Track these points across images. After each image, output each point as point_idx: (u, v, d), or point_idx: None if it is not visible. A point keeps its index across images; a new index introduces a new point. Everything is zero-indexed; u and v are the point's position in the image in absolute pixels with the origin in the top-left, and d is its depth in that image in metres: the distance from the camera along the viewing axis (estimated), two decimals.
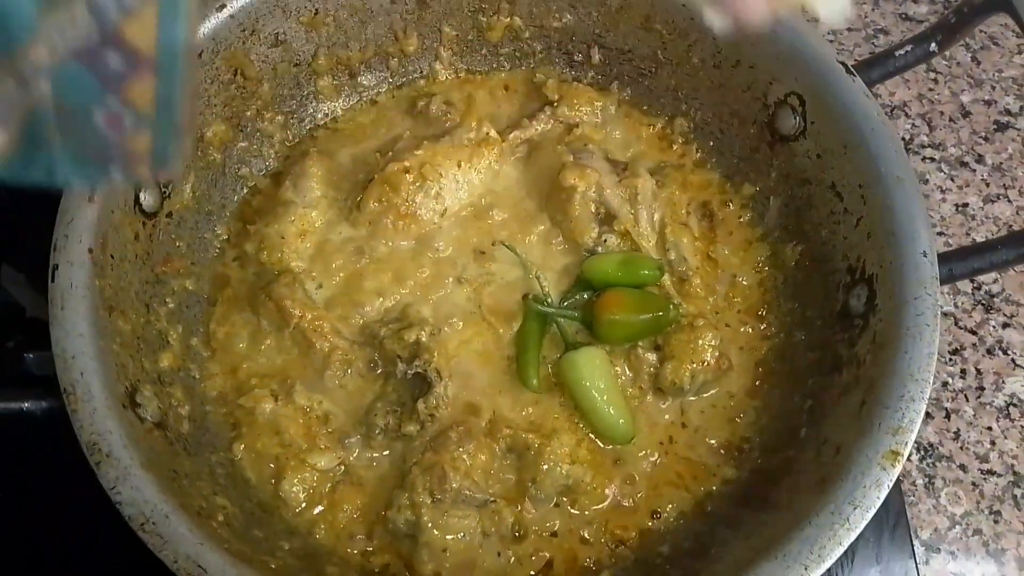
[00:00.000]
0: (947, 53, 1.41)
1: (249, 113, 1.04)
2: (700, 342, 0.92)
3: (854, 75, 0.91)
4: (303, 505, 0.86)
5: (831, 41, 1.35)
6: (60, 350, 0.74)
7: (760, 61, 0.99)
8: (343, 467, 0.88)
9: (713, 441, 0.93)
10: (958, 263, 0.83)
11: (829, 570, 0.94)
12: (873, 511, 0.71)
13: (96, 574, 0.92)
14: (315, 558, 0.82)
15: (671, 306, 0.94)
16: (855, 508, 0.71)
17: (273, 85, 1.05)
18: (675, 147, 1.11)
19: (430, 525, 0.82)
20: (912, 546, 0.97)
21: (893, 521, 0.98)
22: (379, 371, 0.93)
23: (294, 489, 0.86)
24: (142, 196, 0.88)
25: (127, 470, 0.70)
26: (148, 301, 0.89)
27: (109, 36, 0.40)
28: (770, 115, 1.01)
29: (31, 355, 1.08)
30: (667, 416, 0.94)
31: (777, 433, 0.90)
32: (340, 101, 1.13)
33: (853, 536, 0.70)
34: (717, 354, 0.92)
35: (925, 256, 0.81)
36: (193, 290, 0.96)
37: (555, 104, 1.10)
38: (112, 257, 0.83)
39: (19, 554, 0.93)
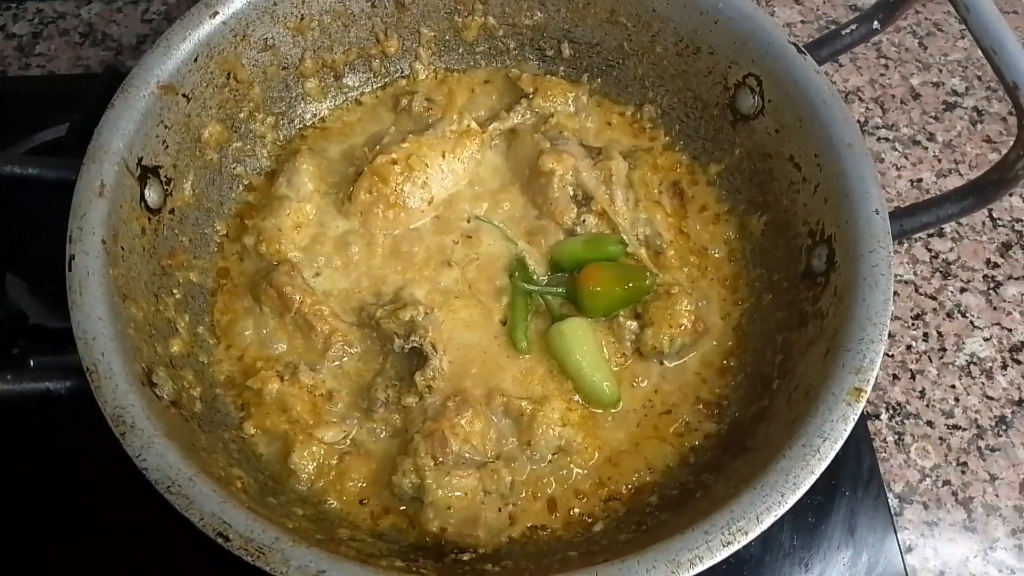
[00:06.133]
0: (895, 40, 1.47)
1: (242, 115, 1.06)
2: (676, 308, 0.96)
3: (805, 54, 0.96)
4: (312, 476, 0.89)
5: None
6: (81, 332, 0.77)
7: (719, 47, 1.04)
8: (349, 439, 0.91)
9: (693, 399, 0.96)
10: (908, 219, 0.88)
11: (811, 524, 0.99)
12: (840, 442, 0.75)
13: (120, 540, 0.94)
14: (327, 522, 0.85)
15: (647, 275, 0.98)
16: (824, 440, 0.75)
17: (264, 88, 1.07)
18: (645, 131, 1.15)
19: (434, 486, 0.85)
20: (886, 499, 1.01)
21: (867, 476, 1.02)
22: (377, 349, 0.96)
23: (303, 462, 0.88)
24: (146, 192, 0.91)
25: (150, 439, 0.73)
26: (156, 291, 0.91)
27: None
28: (730, 97, 1.05)
29: (35, 359, 1.12)
30: (650, 379, 0.97)
31: (752, 387, 0.94)
32: (327, 102, 1.15)
33: (823, 465, 0.74)
34: (693, 318, 0.96)
35: (877, 213, 0.86)
36: (197, 282, 0.99)
37: (530, 96, 1.13)
38: (123, 249, 0.86)
39: (45, 526, 0.96)
